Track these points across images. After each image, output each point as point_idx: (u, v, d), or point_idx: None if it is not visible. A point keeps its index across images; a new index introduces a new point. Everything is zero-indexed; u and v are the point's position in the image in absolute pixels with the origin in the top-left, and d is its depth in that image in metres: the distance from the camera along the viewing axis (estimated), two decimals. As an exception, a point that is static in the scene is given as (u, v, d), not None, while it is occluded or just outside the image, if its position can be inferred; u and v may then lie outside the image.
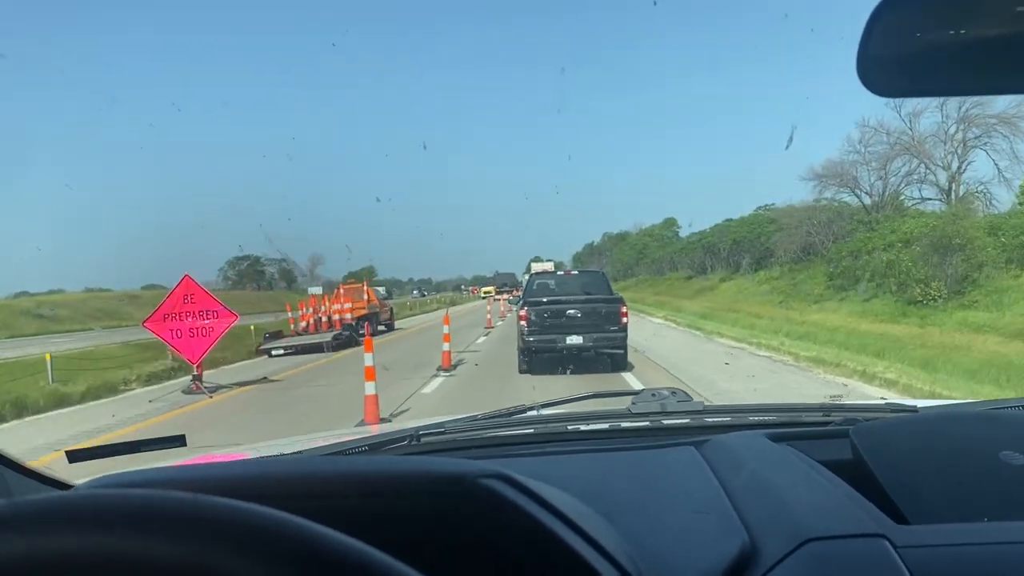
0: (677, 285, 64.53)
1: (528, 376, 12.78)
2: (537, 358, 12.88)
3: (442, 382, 12.84)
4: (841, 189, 43.85)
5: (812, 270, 41.96)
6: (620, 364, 12.83)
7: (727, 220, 67.37)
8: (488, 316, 27.33)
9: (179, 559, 0.47)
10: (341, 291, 26.31)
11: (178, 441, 1.56)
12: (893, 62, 0.80)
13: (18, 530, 0.48)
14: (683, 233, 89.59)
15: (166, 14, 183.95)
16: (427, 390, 12.08)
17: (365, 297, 26.19)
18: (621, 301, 12.96)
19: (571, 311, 12.51)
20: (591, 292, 13.66)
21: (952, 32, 0.76)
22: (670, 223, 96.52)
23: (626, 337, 12.78)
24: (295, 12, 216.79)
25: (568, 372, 12.33)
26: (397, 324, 34.57)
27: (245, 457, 1.70)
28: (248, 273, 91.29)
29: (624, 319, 12.62)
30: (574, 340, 12.43)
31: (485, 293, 72.68)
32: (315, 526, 0.49)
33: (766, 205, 63.07)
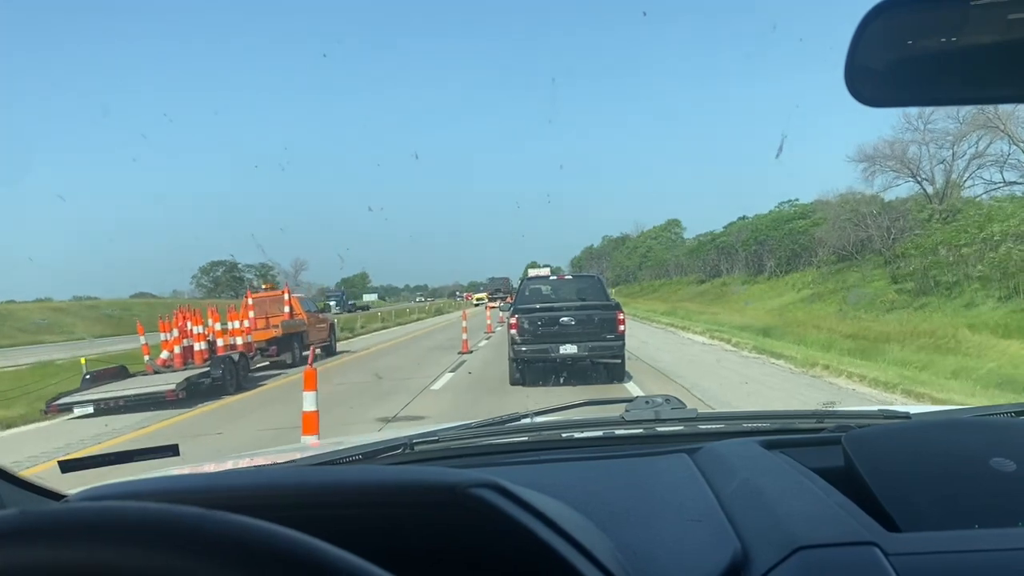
0: (690, 290, 55.91)
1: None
2: (530, 368, 11.51)
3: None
4: (900, 174, 35.31)
5: (867, 271, 33.50)
6: (617, 375, 11.40)
7: (742, 218, 59.12)
8: (464, 336, 18.59)
9: (172, 573, 0.46)
10: (248, 302, 17.61)
11: (171, 451, 1.49)
12: (880, 72, 0.78)
13: (19, 542, 0.47)
14: (687, 235, 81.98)
15: (159, 25, 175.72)
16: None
17: (287, 310, 17.54)
18: (618, 307, 11.48)
19: (565, 318, 11.16)
20: (586, 298, 12.16)
21: (939, 42, 0.74)
22: (673, 224, 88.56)
23: (623, 346, 11.36)
24: (287, 23, 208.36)
25: (562, 382, 11.14)
26: (354, 343, 25.84)
27: (239, 466, 1.65)
28: (225, 280, 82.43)
29: (621, 327, 11.17)
30: (568, 349, 11.05)
31: (478, 300, 65.36)
32: (312, 540, 0.48)
33: (789, 200, 54.72)
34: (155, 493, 0.75)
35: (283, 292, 17.81)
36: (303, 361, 17.79)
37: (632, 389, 10.74)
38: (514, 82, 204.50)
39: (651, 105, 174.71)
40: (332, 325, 20.06)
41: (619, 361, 11.42)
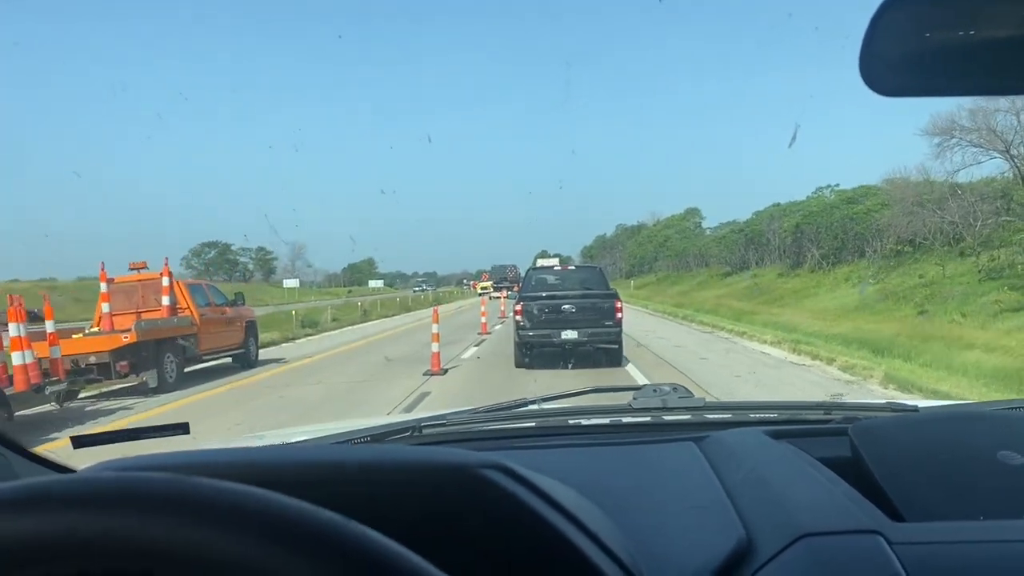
0: (715, 284, 49.40)
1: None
2: (534, 352, 11.69)
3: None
4: (984, 149, 28.59)
5: (945, 264, 26.96)
6: (615, 359, 11.56)
7: (775, 205, 52.58)
8: (435, 347, 11.66)
9: (223, 551, 0.44)
10: (103, 289, 11.37)
11: (181, 429, 1.45)
12: (896, 61, 0.76)
13: (49, 509, 0.44)
14: (706, 224, 75.57)
15: (176, 5, 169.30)
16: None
17: (166, 302, 11.26)
18: (616, 296, 11.76)
19: (566, 306, 11.50)
20: (588, 288, 12.31)
21: (956, 32, 0.73)
22: (692, 213, 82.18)
23: (620, 332, 11.61)
24: (303, 3, 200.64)
25: (570, 366, 11.12)
26: (310, 343, 19.61)
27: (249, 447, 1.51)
28: (217, 262, 76.26)
29: (619, 314, 11.48)
30: (569, 335, 11.35)
31: (482, 289, 59.08)
32: (360, 526, 0.46)
33: (828, 185, 48.09)
34: (169, 467, 0.72)
35: (161, 275, 11.48)
36: (186, 381, 11.50)
37: (632, 372, 10.86)
38: (530, 66, 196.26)
39: (665, 93, 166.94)
40: (251, 324, 13.69)
41: (617, 346, 11.66)
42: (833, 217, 37.30)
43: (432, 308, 14.37)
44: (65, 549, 0.43)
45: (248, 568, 0.43)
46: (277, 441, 1.64)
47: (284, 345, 18.75)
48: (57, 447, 6.59)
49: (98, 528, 0.43)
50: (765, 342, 15.86)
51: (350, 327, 25.65)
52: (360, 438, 1.45)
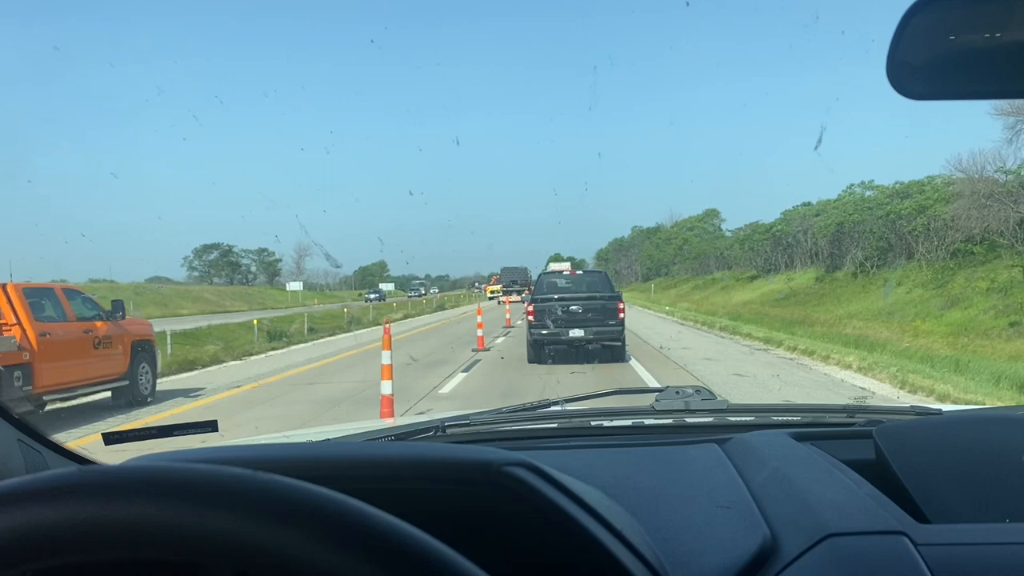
0: (742, 288, 45.12)
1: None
2: (544, 349, 12.59)
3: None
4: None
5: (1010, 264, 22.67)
6: (619, 355, 12.56)
7: (805, 204, 48.28)
8: (387, 387, 7.29)
9: (270, 544, 0.44)
10: None
11: (210, 426, 1.44)
12: (923, 65, 0.76)
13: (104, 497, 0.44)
14: (725, 226, 71.29)
15: (210, 7, 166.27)
16: None
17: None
18: (619, 298, 12.75)
19: (574, 307, 12.33)
20: (594, 290, 13.25)
21: (982, 36, 0.73)
22: (711, 214, 77.88)
23: (623, 330, 12.54)
24: (336, 8, 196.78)
25: (577, 362, 11.80)
26: (264, 362, 15.75)
27: (279, 443, 1.59)
28: (218, 264, 72.59)
29: (621, 314, 12.41)
30: (576, 333, 12.23)
31: (492, 293, 55.33)
32: (406, 525, 0.47)
33: (862, 182, 43.63)
34: (207, 462, 0.70)
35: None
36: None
37: (635, 367, 11.70)
38: (556, 69, 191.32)
39: (684, 93, 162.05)
40: (142, 344, 9.65)
41: (619, 343, 12.57)
42: (877, 215, 32.98)
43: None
44: (158, 535, 0.43)
45: (315, 569, 0.43)
46: (303, 440, 1.58)
47: (231, 363, 14.84)
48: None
49: (205, 521, 0.43)
50: (849, 367, 11.70)
51: (331, 337, 21.72)
52: (385, 436, 1.44)
